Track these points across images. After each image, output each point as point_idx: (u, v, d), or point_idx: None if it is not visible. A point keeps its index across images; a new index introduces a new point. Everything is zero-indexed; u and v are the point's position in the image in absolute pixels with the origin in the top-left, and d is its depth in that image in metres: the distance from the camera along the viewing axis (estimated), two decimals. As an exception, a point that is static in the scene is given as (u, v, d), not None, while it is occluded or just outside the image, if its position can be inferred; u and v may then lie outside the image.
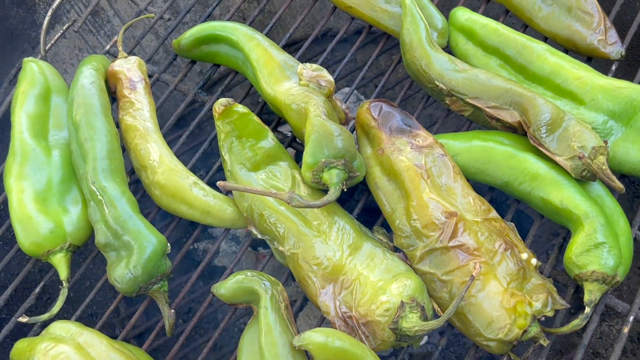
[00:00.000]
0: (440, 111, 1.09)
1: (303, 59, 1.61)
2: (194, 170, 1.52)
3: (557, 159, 0.90)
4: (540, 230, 1.45)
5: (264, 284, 0.88)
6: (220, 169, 1.08)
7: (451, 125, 1.57)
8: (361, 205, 1.03)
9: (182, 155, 1.41)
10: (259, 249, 1.33)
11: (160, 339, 1.28)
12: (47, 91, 1.09)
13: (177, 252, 1.04)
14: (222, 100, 0.95)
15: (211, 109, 1.14)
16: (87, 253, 1.33)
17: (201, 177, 1.07)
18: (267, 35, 1.33)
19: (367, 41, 1.59)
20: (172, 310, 0.91)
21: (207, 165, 1.52)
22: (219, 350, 1.40)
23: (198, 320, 0.98)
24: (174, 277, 1.41)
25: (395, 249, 0.95)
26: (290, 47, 1.66)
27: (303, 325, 1.29)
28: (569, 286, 0.92)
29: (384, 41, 1.19)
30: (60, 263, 0.96)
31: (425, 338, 1.42)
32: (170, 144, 1.40)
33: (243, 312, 1.36)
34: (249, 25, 1.21)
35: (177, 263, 1.01)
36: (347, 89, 1.64)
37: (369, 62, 1.17)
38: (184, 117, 1.50)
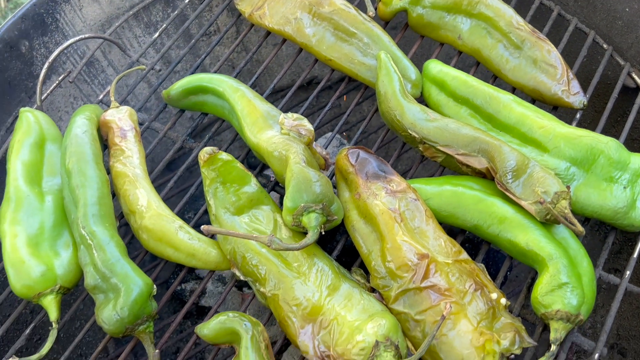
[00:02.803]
0: (417, 155, 1.14)
1: (289, 105, 1.69)
2: (182, 212, 1.57)
3: (523, 203, 0.96)
4: (518, 269, 1.50)
5: (245, 324, 0.92)
6: (207, 211, 1.13)
7: (426, 168, 1.63)
8: (340, 246, 1.08)
9: (171, 198, 1.46)
10: (244, 290, 1.37)
11: (147, 379, 1.31)
12: (42, 140, 1.14)
13: (164, 293, 1.07)
14: (207, 149, 1.01)
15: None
16: (77, 294, 1.37)
17: (189, 220, 1.12)
18: (255, 83, 1.40)
19: (350, 88, 1.67)
20: (157, 351, 0.95)
21: (195, 208, 1.58)
22: (205, 390, 1.42)
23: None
24: (162, 317, 1.45)
25: (372, 289, 0.99)
26: (276, 94, 1.74)
27: (287, 364, 1.32)
28: (538, 324, 0.96)
29: (364, 88, 1.26)
30: (51, 305, 1.00)
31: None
32: (159, 187, 1.46)
33: (229, 352, 1.39)
34: (238, 73, 1.28)
35: (164, 303, 1.05)
36: (330, 134, 1.70)
37: (350, 108, 1.23)
38: (173, 161, 1.56)
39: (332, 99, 1.25)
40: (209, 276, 1.08)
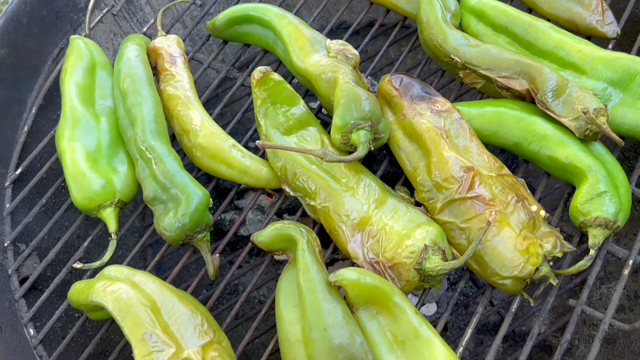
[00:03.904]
0: (450, 95, 1.19)
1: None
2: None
3: (563, 120, 1.01)
4: (544, 202, 1.56)
5: (300, 230, 0.97)
6: (246, 145, 1.18)
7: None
8: (384, 166, 1.13)
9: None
10: (284, 216, 1.42)
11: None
12: (93, 65, 1.18)
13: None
14: (260, 67, 1.05)
15: (243, 84, 1.24)
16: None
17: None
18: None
19: (378, 33, 1.71)
20: (217, 254, 1.00)
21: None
22: (240, 318, 1.48)
23: (222, 290, 1.05)
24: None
25: (417, 204, 1.04)
26: (306, 38, 1.77)
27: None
28: (574, 236, 1.02)
29: (394, 34, 1.30)
30: (110, 217, 1.05)
31: (434, 307, 1.51)
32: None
33: (261, 282, 1.44)
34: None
35: None
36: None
37: (380, 53, 1.27)
38: (212, 99, 1.60)
39: (366, 39, 1.29)
40: (252, 203, 1.11)
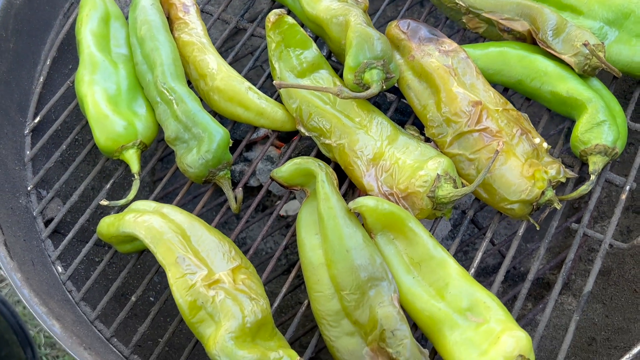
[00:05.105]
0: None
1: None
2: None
3: (563, 57, 1.07)
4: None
5: (319, 164, 1.02)
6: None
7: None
8: (389, 114, 1.18)
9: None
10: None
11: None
12: (107, 15, 1.21)
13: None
14: (275, 10, 1.09)
15: (253, 35, 1.28)
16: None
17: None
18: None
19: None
20: (240, 188, 1.05)
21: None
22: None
23: (235, 238, 1.09)
24: (210, 200, 1.54)
25: (426, 140, 1.10)
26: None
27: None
28: (575, 166, 1.09)
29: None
30: (132, 158, 1.09)
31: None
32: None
33: (269, 232, 1.49)
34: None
35: (213, 185, 1.12)
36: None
37: (379, 12, 1.32)
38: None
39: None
40: (263, 153, 1.15)
